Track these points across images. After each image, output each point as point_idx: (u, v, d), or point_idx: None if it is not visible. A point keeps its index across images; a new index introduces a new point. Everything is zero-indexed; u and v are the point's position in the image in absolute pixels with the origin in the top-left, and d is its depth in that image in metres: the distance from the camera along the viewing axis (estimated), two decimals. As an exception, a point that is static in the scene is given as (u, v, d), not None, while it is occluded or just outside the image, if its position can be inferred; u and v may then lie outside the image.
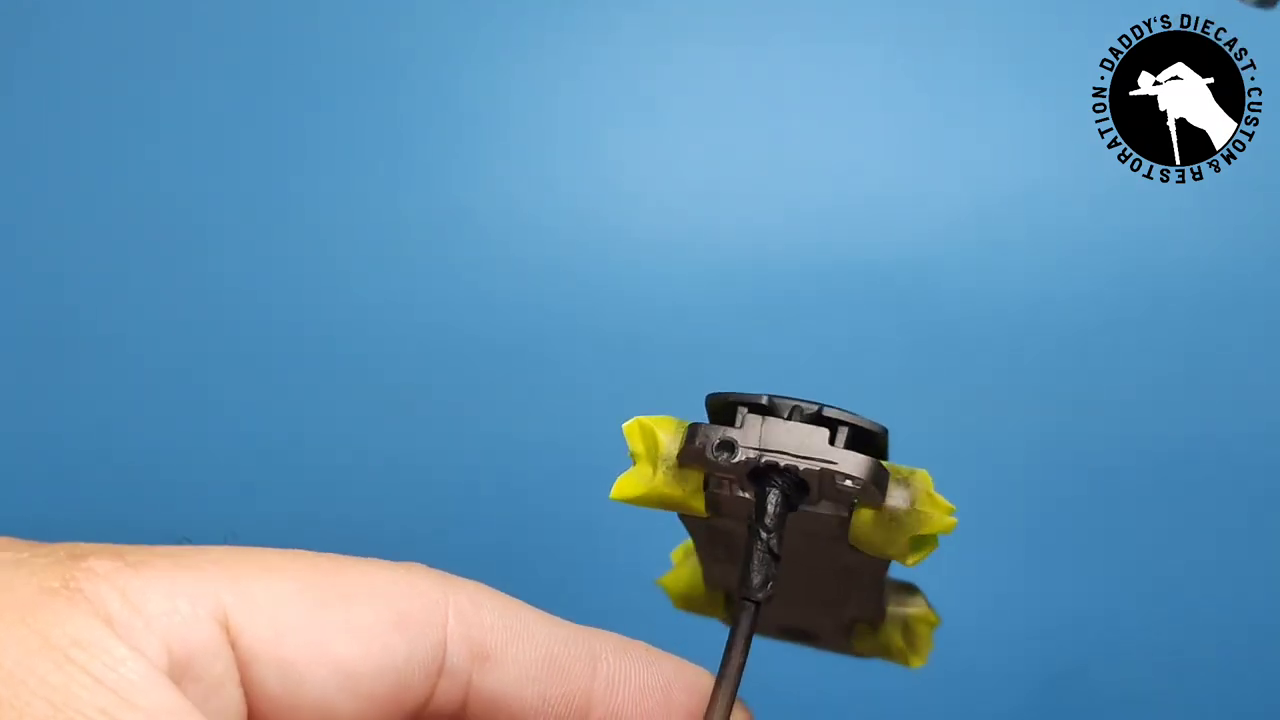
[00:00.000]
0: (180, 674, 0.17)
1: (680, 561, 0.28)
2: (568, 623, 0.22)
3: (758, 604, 0.22)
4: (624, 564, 0.51)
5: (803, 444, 0.22)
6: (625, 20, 0.55)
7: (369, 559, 0.20)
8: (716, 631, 0.52)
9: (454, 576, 0.20)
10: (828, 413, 0.22)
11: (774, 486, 0.21)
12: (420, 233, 0.54)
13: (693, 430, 0.22)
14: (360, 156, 0.55)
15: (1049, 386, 0.51)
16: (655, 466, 0.23)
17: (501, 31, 0.56)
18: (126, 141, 0.56)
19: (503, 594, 0.21)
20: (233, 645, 0.17)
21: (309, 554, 0.19)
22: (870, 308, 0.51)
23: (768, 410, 0.22)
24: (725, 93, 0.55)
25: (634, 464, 0.23)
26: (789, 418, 0.22)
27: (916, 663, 0.27)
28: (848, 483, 0.21)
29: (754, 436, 0.22)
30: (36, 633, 0.16)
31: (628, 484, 0.23)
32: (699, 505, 0.23)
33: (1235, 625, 0.49)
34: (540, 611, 0.21)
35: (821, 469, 0.21)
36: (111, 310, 0.54)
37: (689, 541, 0.27)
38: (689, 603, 0.29)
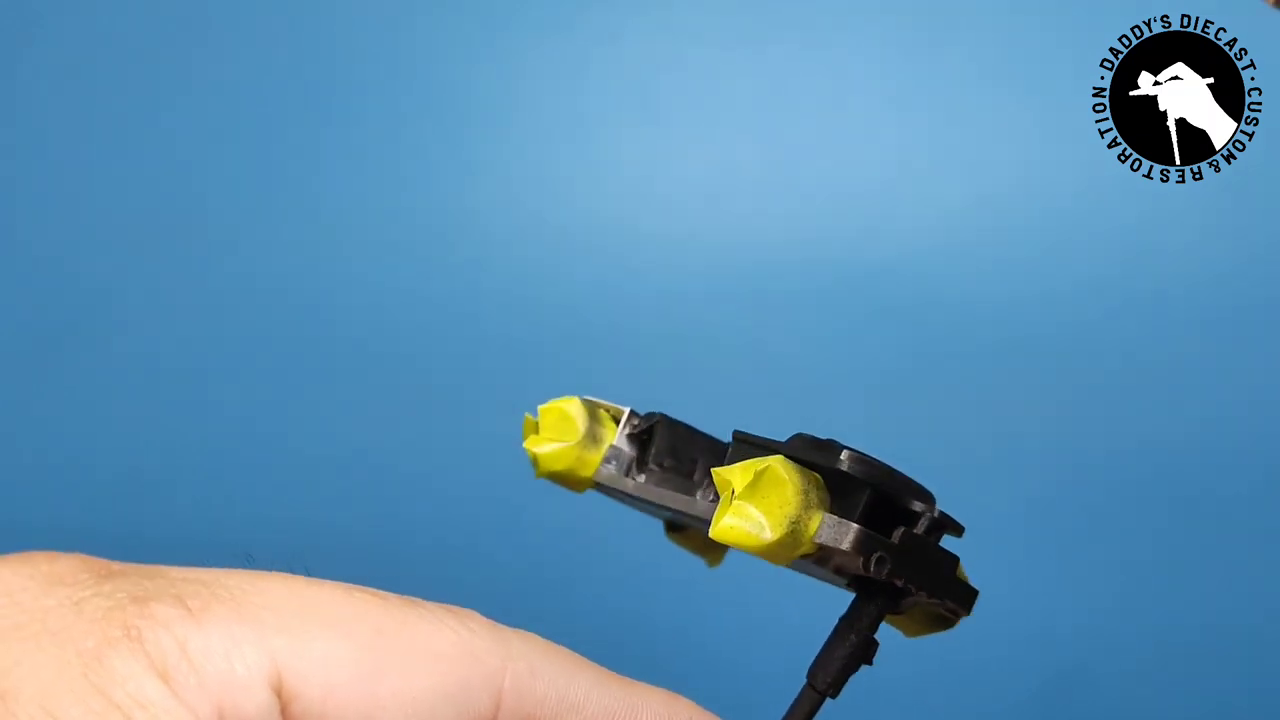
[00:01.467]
0: None
1: (562, 436, 0.28)
2: (616, 681, 0.21)
3: (822, 695, 0.22)
4: (624, 564, 0.51)
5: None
6: (628, 23, 0.55)
7: (428, 608, 0.19)
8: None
9: (510, 633, 0.20)
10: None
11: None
12: (423, 232, 0.54)
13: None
14: (364, 156, 0.55)
15: (1048, 385, 0.51)
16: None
17: (506, 34, 0.56)
18: (127, 143, 0.56)
19: (557, 650, 0.20)
20: (282, 711, 0.17)
21: (372, 601, 0.18)
22: (870, 305, 0.51)
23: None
24: (726, 94, 0.55)
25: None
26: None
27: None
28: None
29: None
30: (98, 689, 0.15)
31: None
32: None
33: (1235, 625, 0.49)
34: (591, 668, 0.21)
35: None
36: (114, 311, 0.54)
37: (576, 413, 0.28)
38: (556, 477, 0.29)
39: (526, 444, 0.28)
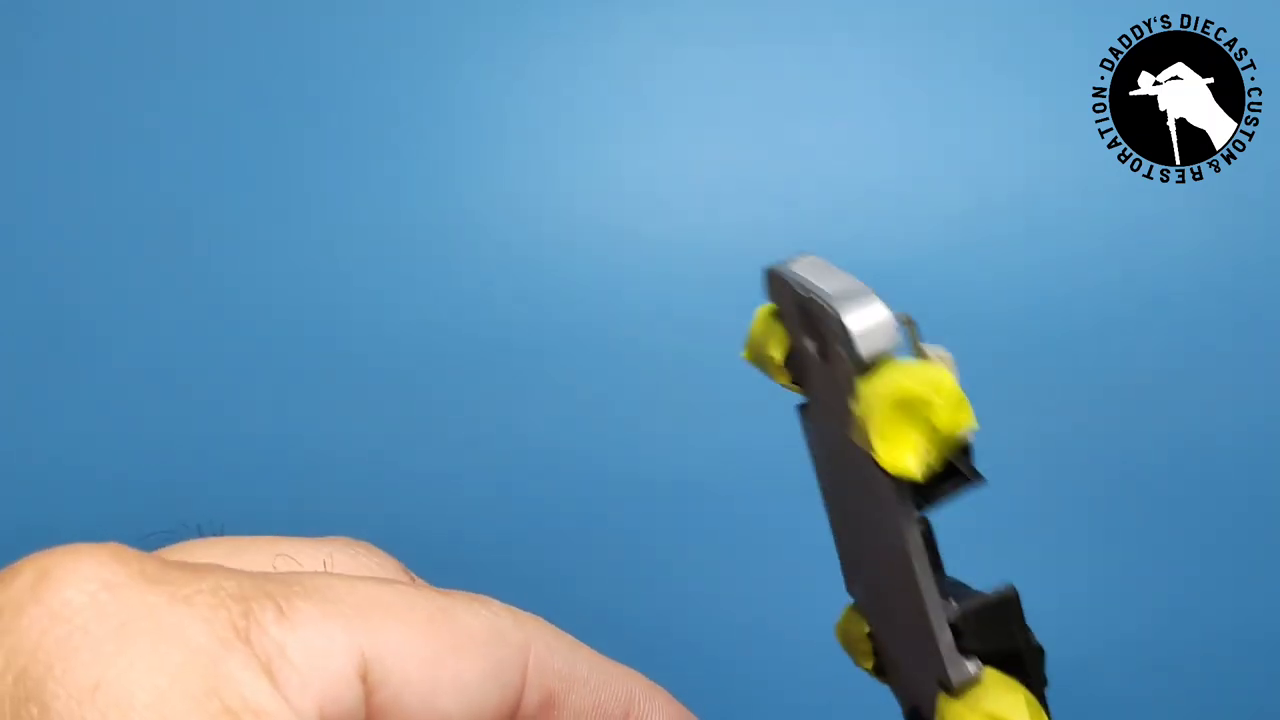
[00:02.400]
0: None
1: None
2: (609, 662, 0.22)
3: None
4: (624, 563, 0.51)
5: None
6: (625, 21, 0.55)
7: (457, 596, 0.20)
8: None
9: (524, 615, 0.20)
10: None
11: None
12: (422, 234, 0.54)
13: None
14: (362, 158, 0.55)
15: (1048, 386, 0.51)
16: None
17: (503, 33, 0.56)
18: (129, 144, 0.56)
19: (562, 632, 0.21)
20: (365, 701, 0.17)
21: (422, 596, 0.19)
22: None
23: None
24: (725, 93, 0.55)
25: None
26: None
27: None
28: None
29: None
30: (214, 692, 0.15)
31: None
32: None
33: (1235, 626, 0.49)
34: (589, 649, 0.22)
35: None
36: (116, 312, 0.55)
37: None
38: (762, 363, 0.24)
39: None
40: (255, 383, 0.54)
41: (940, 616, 0.20)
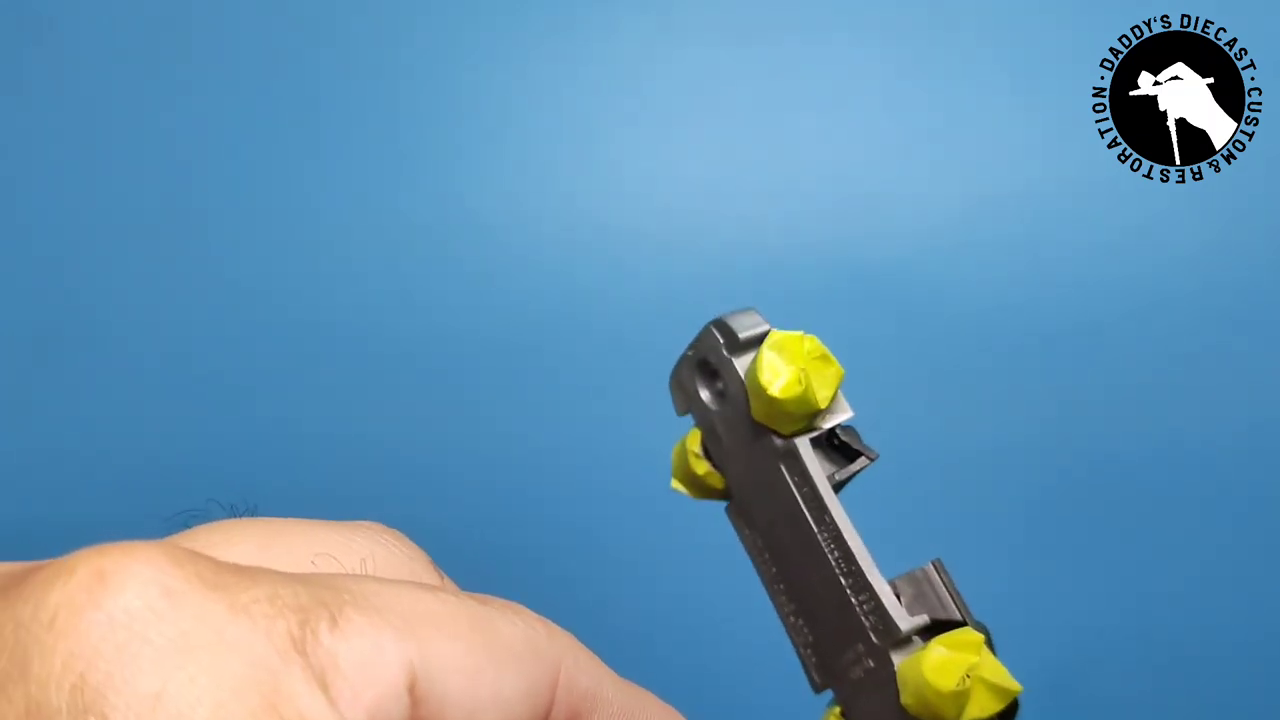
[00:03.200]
0: None
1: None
2: (630, 685, 0.21)
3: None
4: (624, 560, 0.51)
5: None
6: (626, 22, 0.55)
7: (495, 605, 0.19)
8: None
9: (556, 628, 0.20)
10: None
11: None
12: (424, 232, 0.54)
13: None
14: (365, 158, 0.55)
15: (1048, 385, 0.51)
16: None
17: (505, 33, 0.56)
18: (131, 145, 0.56)
19: (589, 651, 0.21)
20: (410, 713, 0.17)
21: (464, 605, 0.18)
22: (869, 305, 0.51)
23: None
24: (726, 93, 0.55)
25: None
26: None
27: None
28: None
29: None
30: (273, 708, 0.15)
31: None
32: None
33: (1235, 626, 0.49)
34: (611, 671, 0.21)
35: None
36: (114, 311, 0.55)
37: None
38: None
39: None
40: (255, 382, 0.54)
41: (880, 578, 0.23)
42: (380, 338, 0.54)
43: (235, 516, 0.21)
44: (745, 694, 0.49)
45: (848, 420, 0.24)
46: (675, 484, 0.27)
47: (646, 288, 0.53)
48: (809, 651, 0.25)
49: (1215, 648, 0.49)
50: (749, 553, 0.26)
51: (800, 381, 0.23)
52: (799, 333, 0.24)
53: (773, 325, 0.24)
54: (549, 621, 0.20)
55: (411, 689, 0.17)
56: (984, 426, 0.51)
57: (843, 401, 0.24)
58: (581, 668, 0.20)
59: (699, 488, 0.27)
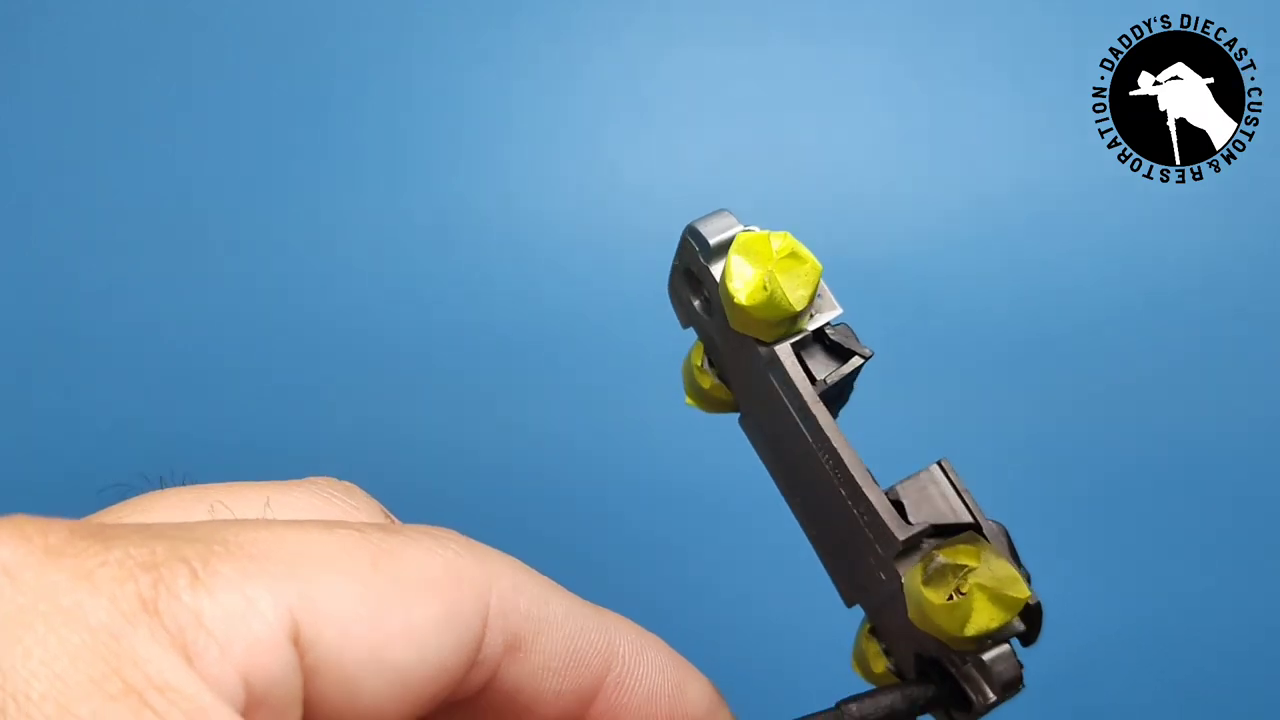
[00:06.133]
0: (254, 707, 0.15)
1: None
2: (588, 606, 0.20)
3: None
4: (625, 555, 0.51)
5: None
6: (625, 21, 0.55)
7: (409, 533, 0.18)
8: (718, 618, 0.52)
9: (489, 551, 0.19)
10: None
11: None
12: (424, 231, 0.54)
13: None
14: (365, 156, 0.55)
15: (1047, 385, 0.51)
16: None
17: (505, 34, 0.56)
18: (131, 144, 0.56)
19: (533, 571, 0.19)
20: (298, 662, 0.16)
21: (365, 538, 0.17)
22: (868, 305, 0.51)
23: None
24: (725, 91, 0.55)
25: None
26: None
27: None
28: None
29: None
30: (116, 672, 0.14)
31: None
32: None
33: (1233, 627, 0.49)
34: (564, 591, 0.20)
35: None
36: (113, 311, 0.55)
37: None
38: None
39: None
40: (254, 382, 0.54)
41: (873, 484, 0.21)
42: (379, 336, 0.53)
43: (165, 488, 0.20)
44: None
45: (837, 318, 0.23)
46: (689, 400, 0.26)
47: (646, 287, 0.53)
48: (832, 566, 0.24)
49: (1220, 647, 0.49)
50: (766, 466, 0.25)
51: (765, 286, 0.22)
52: (766, 231, 0.22)
53: (756, 226, 0.23)
54: (477, 544, 0.19)
55: (295, 637, 0.16)
56: (984, 425, 0.51)
57: (829, 298, 0.23)
58: (520, 589, 0.19)
59: (709, 401, 0.25)
